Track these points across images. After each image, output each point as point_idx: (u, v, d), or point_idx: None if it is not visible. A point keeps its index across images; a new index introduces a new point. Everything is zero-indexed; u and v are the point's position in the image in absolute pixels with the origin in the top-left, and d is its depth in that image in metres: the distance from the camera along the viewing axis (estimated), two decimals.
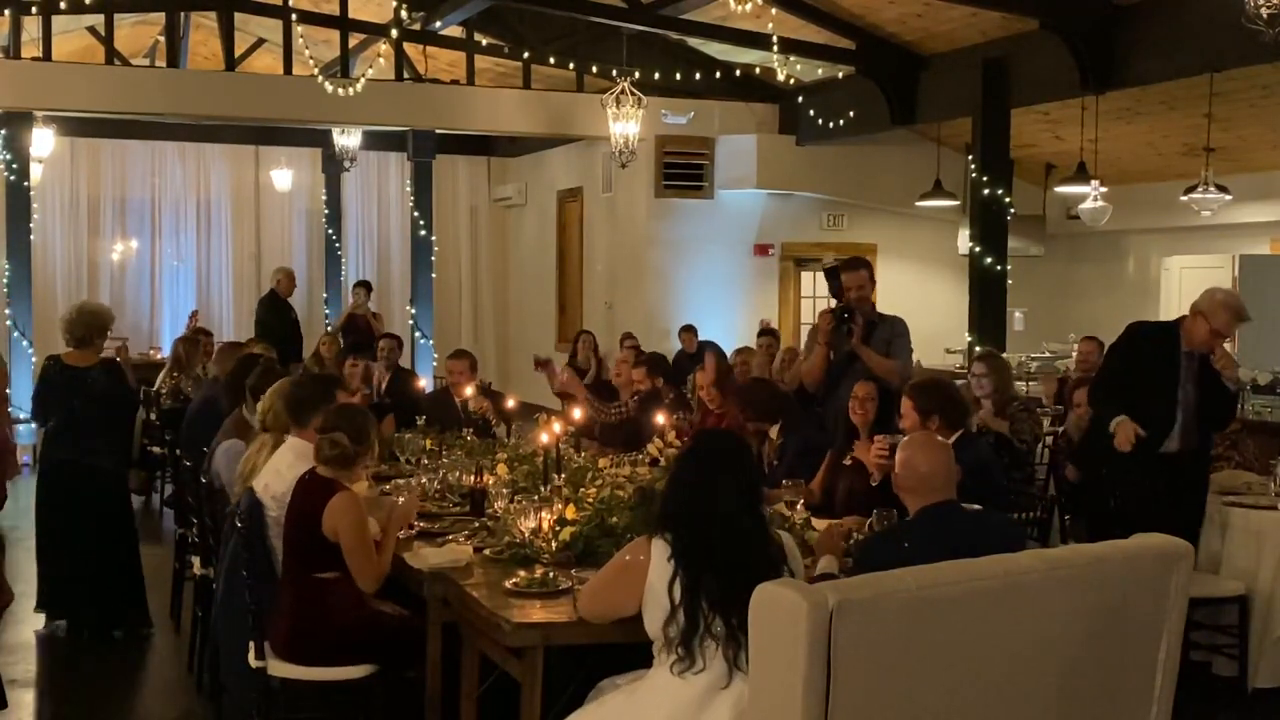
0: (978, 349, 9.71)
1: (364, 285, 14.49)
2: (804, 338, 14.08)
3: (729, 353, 10.33)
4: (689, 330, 12.56)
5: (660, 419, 6.54)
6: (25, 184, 13.73)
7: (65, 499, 6.75)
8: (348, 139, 15.48)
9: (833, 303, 7.40)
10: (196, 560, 5.95)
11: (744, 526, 3.64)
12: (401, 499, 4.90)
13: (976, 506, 4.27)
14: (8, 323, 13.71)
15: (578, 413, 6.80)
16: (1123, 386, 6.03)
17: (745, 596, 3.20)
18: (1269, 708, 5.87)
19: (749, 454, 3.99)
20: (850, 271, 6.93)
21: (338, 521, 4.43)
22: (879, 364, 6.47)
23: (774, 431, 6.50)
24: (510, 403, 7.69)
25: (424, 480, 5.87)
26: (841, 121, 13.21)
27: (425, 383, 10.81)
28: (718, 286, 14.29)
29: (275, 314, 13.21)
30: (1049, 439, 8.17)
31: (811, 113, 13.74)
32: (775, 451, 6.44)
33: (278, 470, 4.91)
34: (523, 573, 4.25)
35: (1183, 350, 6.00)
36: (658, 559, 3.62)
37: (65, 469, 6.72)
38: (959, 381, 7.35)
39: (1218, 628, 5.95)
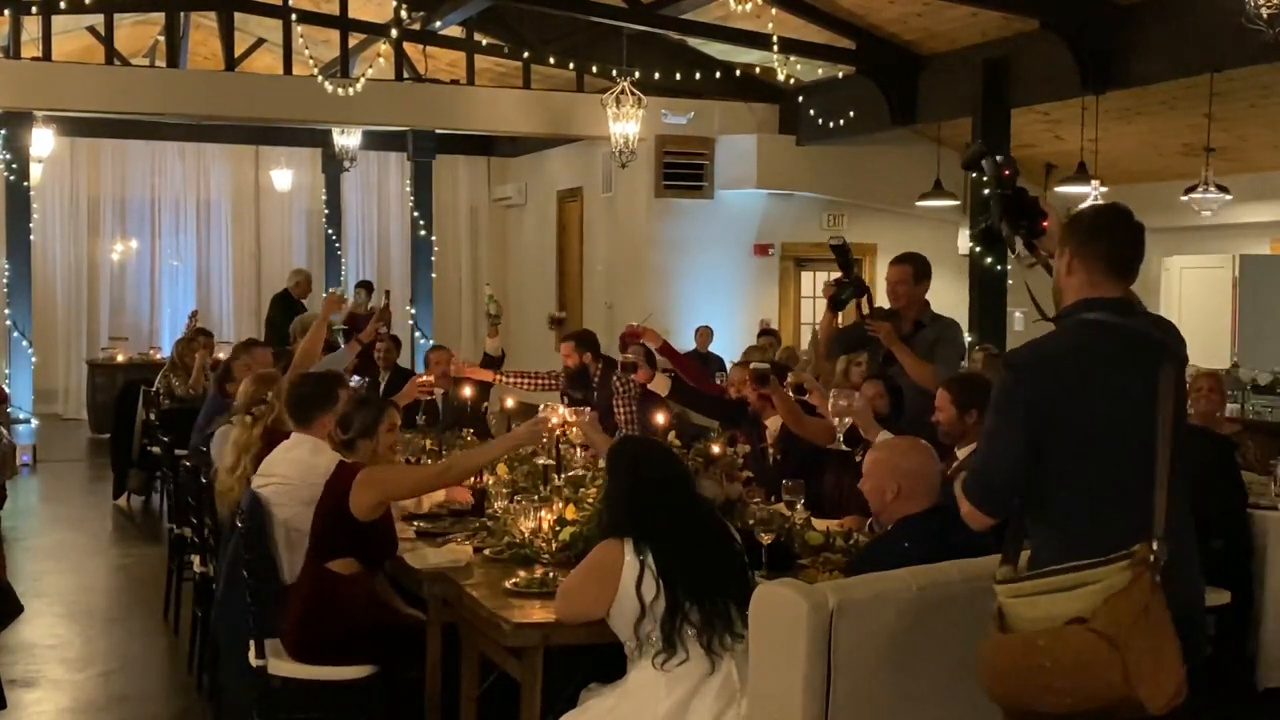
0: (977, 349, 9.70)
1: (365, 285, 14.47)
2: (804, 338, 14.12)
3: (736, 355, 10.32)
4: (706, 330, 12.82)
5: (660, 419, 6.51)
6: (25, 184, 13.75)
7: None
8: (348, 139, 15.48)
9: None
10: (196, 559, 5.95)
11: (697, 514, 3.87)
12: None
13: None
14: (7, 323, 13.70)
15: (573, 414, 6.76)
16: None
17: (716, 580, 3.62)
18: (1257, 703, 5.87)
19: (671, 451, 4.27)
20: (893, 265, 6.54)
21: (367, 486, 4.44)
22: (914, 367, 6.08)
23: (774, 424, 6.31)
24: (510, 402, 7.66)
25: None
26: (841, 121, 13.21)
27: None
28: (718, 287, 14.29)
29: (286, 315, 13.20)
30: None
31: (811, 113, 13.74)
32: (777, 445, 6.30)
33: (288, 460, 4.90)
34: (523, 573, 4.25)
35: None
36: (630, 559, 3.68)
37: None
38: None
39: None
